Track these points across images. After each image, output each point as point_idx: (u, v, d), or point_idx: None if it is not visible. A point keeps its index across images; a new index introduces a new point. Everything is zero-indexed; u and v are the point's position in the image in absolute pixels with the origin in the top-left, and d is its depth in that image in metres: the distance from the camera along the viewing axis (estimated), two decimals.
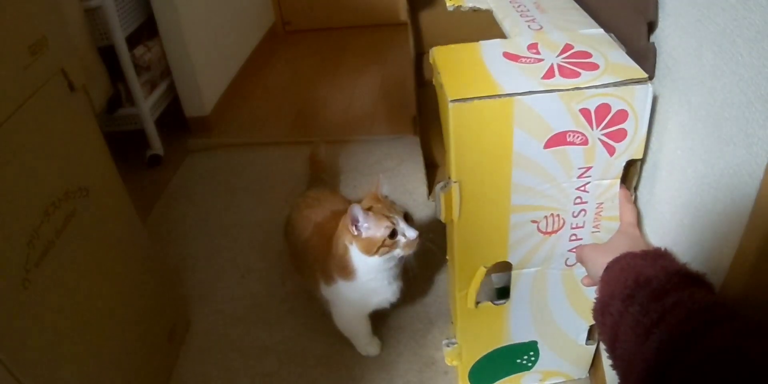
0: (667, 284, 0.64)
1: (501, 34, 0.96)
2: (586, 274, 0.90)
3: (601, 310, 0.70)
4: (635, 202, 0.91)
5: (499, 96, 0.77)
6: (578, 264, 0.97)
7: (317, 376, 1.30)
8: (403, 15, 1.52)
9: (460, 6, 1.05)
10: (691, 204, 0.77)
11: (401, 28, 1.56)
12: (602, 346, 0.75)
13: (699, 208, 0.75)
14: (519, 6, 1.03)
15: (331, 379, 1.30)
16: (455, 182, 0.85)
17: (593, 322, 1.07)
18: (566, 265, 0.97)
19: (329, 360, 1.34)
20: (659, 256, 0.71)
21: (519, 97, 0.77)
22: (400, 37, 1.60)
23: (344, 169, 1.99)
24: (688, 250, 0.80)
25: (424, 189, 1.83)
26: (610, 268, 0.74)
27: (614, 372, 0.66)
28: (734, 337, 0.53)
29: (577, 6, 1.01)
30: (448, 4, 1.06)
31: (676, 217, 0.82)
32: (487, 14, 1.04)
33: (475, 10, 1.05)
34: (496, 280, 1.38)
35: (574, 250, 0.94)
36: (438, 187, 0.88)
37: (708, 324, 0.55)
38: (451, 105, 0.77)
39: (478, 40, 0.90)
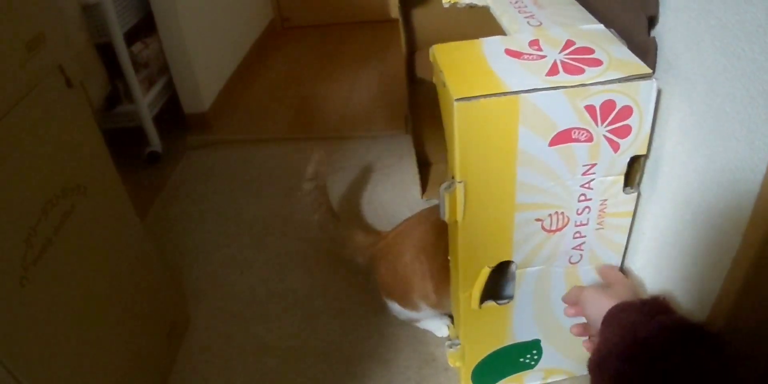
0: (666, 344, 0.64)
1: (496, 31, 0.95)
2: (575, 323, 0.90)
3: (598, 363, 0.70)
4: (638, 197, 0.91)
5: (505, 94, 0.77)
6: (581, 262, 0.97)
7: (317, 372, 1.30)
8: (395, 12, 1.50)
9: (457, 2, 1.04)
10: (693, 199, 0.77)
11: (399, 24, 1.56)
12: None
13: (700, 204, 0.75)
14: (516, 2, 1.02)
15: (330, 376, 1.29)
16: (460, 182, 0.84)
17: None
18: (569, 262, 0.97)
19: (329, 357, 1.33)
20: (657, 310, 0.71)
21: (524, 94, 0.77)
22: (399, 33, 1.60)
23: (343, 165, 1.99)
24: (689, 247, 0.80)
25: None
26: (608, 321, 0.74)
27: None
28: None
29: (575, 1, 1.01)
30: (444, 1, 1.05)
31: (677, 213, 0.81)
32: (484, 11, 1.04)
33: (472, 7, 1.05)
34: None
35: (573, 289, 0.92)
36: (442, 187, 0.87)
37: None
38: (455, 104, 0.76)
39: (474, 37, 0.89)
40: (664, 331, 0.65)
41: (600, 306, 0.77)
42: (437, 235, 1.21)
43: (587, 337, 0.87)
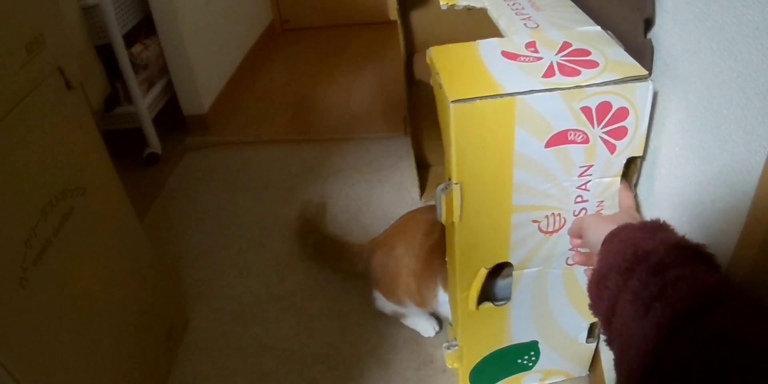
0: (666, 258, 0.63)
1: (494, 33, 0.95)
2: (579, 250, 0.89)
3: (597, 282, 0.70)
4: (635, 199, 0.91)
5: (501, 96, 0.77)
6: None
7: (315, 374, 1.30)
8: (393, 14, 1.51)
9: (454, 5, 1.05)
10: (690, 201, 0.77)
11: (397, 26, 1.56)
12: (597, 323, 0.73)
13: (697, 205, 0.75)
14: (514, 4, 1.02)
15: (329, 377, 1.30)
16: (456, 183, 0.85)
17: (593, 320, 1.08)
18: (567, 264, 0.97)
19: (327, 358, 1.34)
20: (658, 228, 0.71)
21: (520, 96, 0.77)
22: (398, 35, 1.61)
23: (342, 167, 1.99)
24: None
25: None
26: (608, 240, 0.73)
27: (611, 364, 0.66)
28: (737, 317, 0.53)
29: (572, 3, 1.01)
30: (441, 3, 1.05)
31: (674, 215, 0.82)
32: (481, 13, 1.04)
33: (469, 9, 1.05)
34: None
35: (574, 219, 0.92)
36: (439, 188, 0.87)
37: (710, 302, 0.55)
38: (452, 106, 0.77)
39: (472, 39, 0.89)
40: (666, 248, 0.65)
41: (600, 230, 0.76)
42: (425, 234, 1.22)
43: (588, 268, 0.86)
